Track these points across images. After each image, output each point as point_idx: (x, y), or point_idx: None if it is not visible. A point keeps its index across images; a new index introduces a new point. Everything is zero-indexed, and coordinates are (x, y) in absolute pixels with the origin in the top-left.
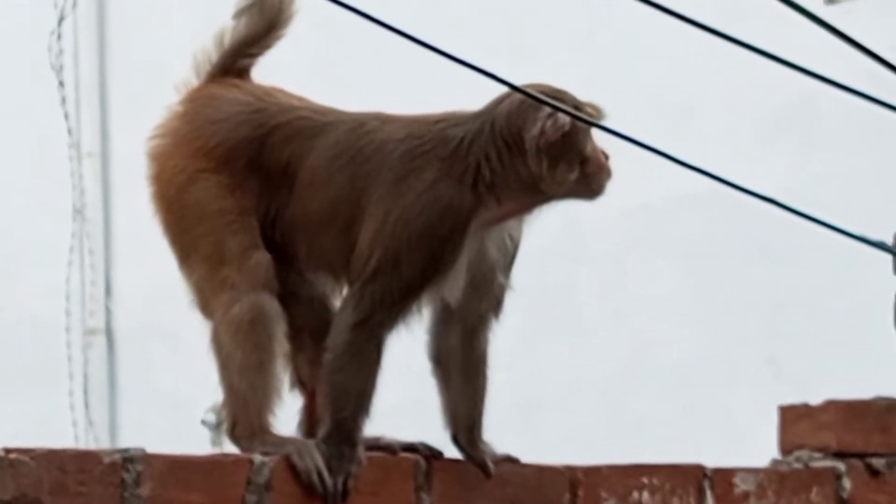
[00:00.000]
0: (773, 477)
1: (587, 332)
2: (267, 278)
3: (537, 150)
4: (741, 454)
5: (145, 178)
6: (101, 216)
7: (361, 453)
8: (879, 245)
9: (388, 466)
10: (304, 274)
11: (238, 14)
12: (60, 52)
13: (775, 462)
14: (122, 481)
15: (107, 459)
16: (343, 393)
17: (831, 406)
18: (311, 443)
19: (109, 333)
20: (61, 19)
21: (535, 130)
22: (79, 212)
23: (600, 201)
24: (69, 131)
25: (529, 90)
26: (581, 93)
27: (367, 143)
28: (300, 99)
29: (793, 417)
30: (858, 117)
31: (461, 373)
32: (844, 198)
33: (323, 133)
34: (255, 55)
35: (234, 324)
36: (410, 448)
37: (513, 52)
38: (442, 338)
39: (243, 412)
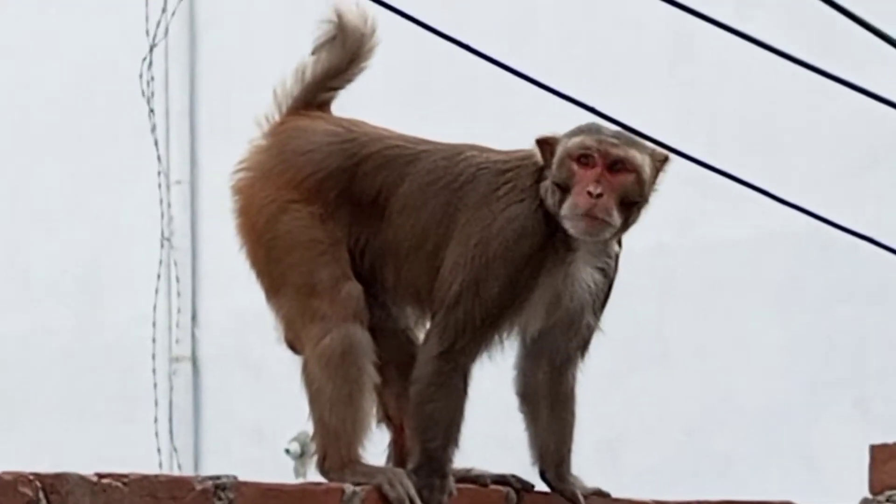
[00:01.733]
0: None
1: (673, 367)
2: (358, 309)
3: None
4: (825, 494)
5: (232, 211)
6: (189, 244)
7: (451, 484)
8: None
9: (479, 498)
10: (390, 306)
11: (318, 48)
12: (151, 79)
13: (866, 501)
14: None
15: (199, 486)
16: (432, 423)
17: None
18: (401, 471)
19: (195, 361)
20: (153, 46)
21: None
22: (167, 239)
23: (689, 235)
24: (158, 158)
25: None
26: (668, 126)
27: (462, 170)
28: (388, 130)
29: (884, 457)
30: None
31: (549, 408)
32: None
33: (417, 160)
34: (336, 88)
35: (326, 356)
36: (501, 480)
37: (597, 84)
38: (529, 374)
39: (334, 445)
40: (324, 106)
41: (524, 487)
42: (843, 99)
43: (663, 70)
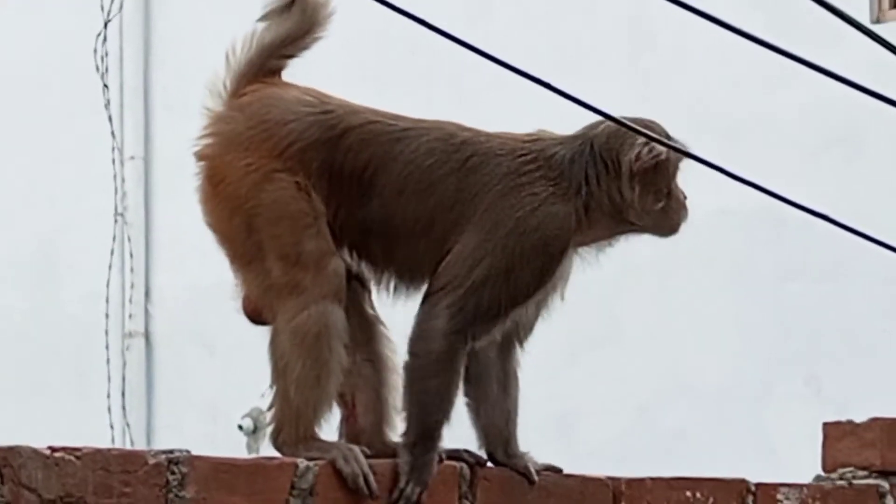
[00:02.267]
0: (816, 493)
1: (627, 345)
2: (340, 287)
3: (631, 174)
4: (777, 471)
5: (198, 178)
6: (143, 220)
7: (437, 463)
8: None
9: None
10: (355, 283)
11: (269, 14)
12: (105, 55)
13: (819, 479)
14: (167, 483)
15: (152, 461)
16: (435, 399)
17: (876, 424)
18: (356, 448)
19: (148, 337)
20: (107, 23)
21: (632, 154)
22: (120, 215)
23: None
24: (112, 134)
25: (624, 119)
26: (625, 105)
27: (471, 155)
28: (354, 102)
29: (837, 435)
30: None
31: (499, 387)
32: (889, 215)
33: (406, 139)
34: (290, 56)
35: (300, 333)
36: (455, 456)
37: (558, 69)
38: (482, 354)
39: (292, 422)
40: (275, 73)
41: (477, 462)
42: (799, 80)
43: (621, 50)
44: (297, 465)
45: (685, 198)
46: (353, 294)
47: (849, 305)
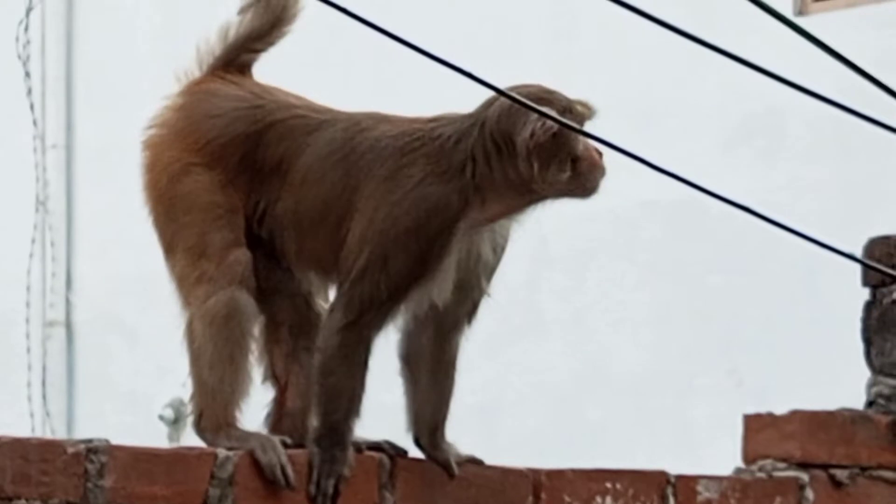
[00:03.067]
0: (736, 486)
1: (547, 335)
2: (244, 275)
3: (528, 152)
4: (698, 463)
5: (140, 167)
6: (64, 208)
7: (351, 455)
8: (850, 256)
9: (353, 465)
10: (291, 271)
11: (243, 9)
12: (27, 42)
13: (738, 471)
14: (86, 472)
15: (70, 450)
16: (335, 395)
17: (796, 416)
18: (275, 438)
19: (69, 326)
20: (29, 10)
21: (525, 133)
22: (42, 203)
23: (562, 204)
24: (34, 122)
25: (516, 93)
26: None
27: (360, 141)
28: (298, 97)
29: (757, 426)
30: (823, 128)
31: (430, 374)
32: (807, 207)
33: (318, 130)
34: (258, 51)
35: (209, 317)
36: (375, 447)
37: (480, 52)
38: (414, 338)
39: (210, 405)
40: (244, 68)
41: (398, 453)
42: (719, 70)
43: (541, 39)
44: (216, 455)
45: (601, 155)
46: (290, 279)
47: (770, 297)
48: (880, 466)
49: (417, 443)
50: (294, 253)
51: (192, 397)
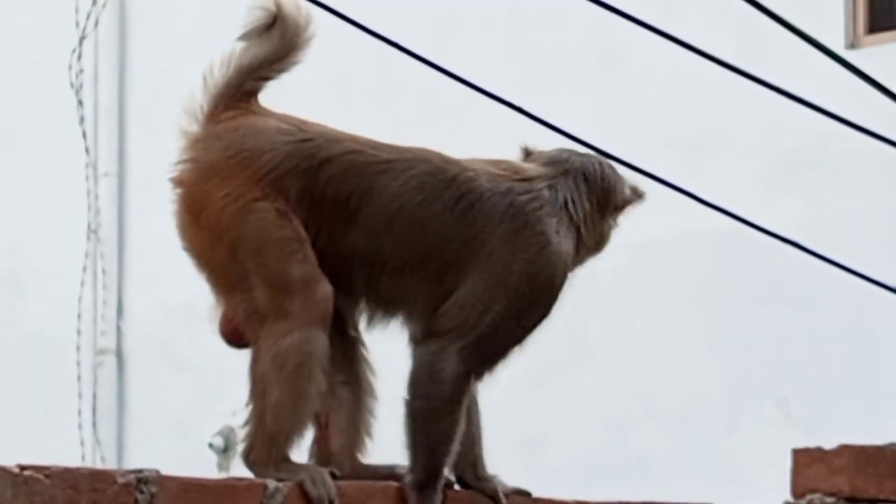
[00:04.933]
0: None
1: (594, 367)
2: (326, 312)
3: (615, 211)
4: (746, 496)
5: (176, 203)
6: (116, 236)
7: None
8: None
9: (402, 498)
10: (342, 310)
11: (248, 35)
12: (80, 71)
13: None
14: (136, 502)
15: (121, 480)
16: (442, 441)
17: (845, 451)
18: (324, 471)
19: (120, 354)
20: (82, 38)
21: (626, 193)
22: (93, 231)
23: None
24: (86, 150)
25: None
26: (593, 126)
27: (466, 193)
28: (334, 129)
29: (806, 461)
30: (870, 161)
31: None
32: (853, 241)
33: (390, 171)
34: (267, 78)
35: (282, 358)
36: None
37: (523, 85)
38: None
39: (264, 444)
40: (251, 95)
41: (447, 485)
42: (767, 103)
43: (590, 71)
44: (266, 487)
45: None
46: (337, 315)
47: (818, 329)
48: None
49: (460, 480)
50: (363, 290)
51: (247, 429)
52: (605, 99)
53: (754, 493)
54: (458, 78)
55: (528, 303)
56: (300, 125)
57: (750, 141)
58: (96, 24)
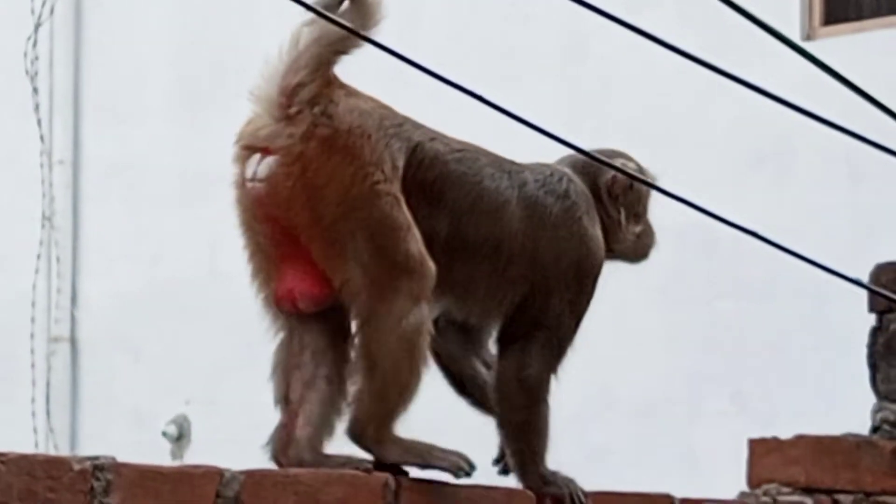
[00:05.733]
0: None
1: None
2: (431, 288)
3: (610, 195)
4: (703, 487)
5: (286, 172)
6: (70, 224)
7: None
8: (856, 282)
9: (358, 485)
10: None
11: (324, 7)
12: (36, 58)
13: (743, 495)
14: (92, 489)
15: (77, 467)
16: (544, 438)
17: (801, 441)
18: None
19: (74, 342)
20: (38, 26)
21: (608, 177)
22: (48, 219)
23: None
24: (41, 138)
25: (592, 151)
26: (557, 120)
27: (523, 184)
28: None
29: (762, 451)
30: (832, 154)
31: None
32: (815, 233)
33: (464, 160)
34: (344, 54)
35: (407, 339)
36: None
37: (487, 78)
38: (463, 360)
39: (382, 419)
40: (329, 66)
41: (401, 473)
42: (730, 96)
43: (554, 63)
44: (222, 473)
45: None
46: (343, 316)
47: (776, 322)
48: (884, 492)
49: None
50: (439, 275)
51: (363, 405)
52: (568, 91)
53: (711, 484)
54: (422, 67)
55: (578, 292)
56: (387, 107)
57: (713, 134)
58: (52, 11)
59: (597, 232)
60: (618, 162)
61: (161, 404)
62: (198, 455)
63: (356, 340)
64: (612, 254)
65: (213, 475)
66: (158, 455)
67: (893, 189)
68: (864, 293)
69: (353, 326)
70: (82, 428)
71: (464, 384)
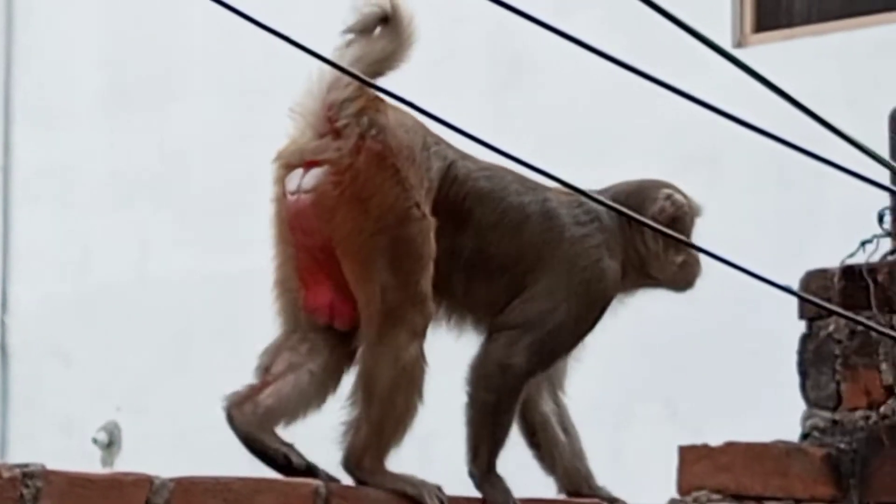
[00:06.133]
0: None
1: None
2: (427, 328)
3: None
4: (633, 493)
5: (332, 183)
6: (0, 230)
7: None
8: (787, 289)
9: (288, 492)
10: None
11: (360, 28)
12: None
13: (673, 501)
14: (21, 496)
15: (6, 474)
16: (503, 433)
17: (731, 448)
18: (436, 486)
19: (3, 348)
20: None
21: (655, 207)
22: None
23: None
24: None
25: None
26: (488, 128)
27: (545, 199)
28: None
29: (692, 458)
30: (761, 160)
31: (564, 431)
32: (745, 239)
33: (491, 178)
34: (382, 74)
35: (409, 371)
36: (314, 471)
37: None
38: (538, 404)
39: (379, 451)
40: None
41: (330, 479)
42: (661, 103)
43: (485, 70)
44: (152, 481)
45: (700, 254)
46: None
47: (707, 329)
48: (814, 499)
49: (577, 494)
50: (458, 292)
51: (359, 434)
52: (498, 99)
53: (641, 491)
54: (352, 74)
55: (584, 309)
56: (424, 125)
57: (643, 140)
58: None
59: (613, 264)
60: (663, 192)
61: (91, 411)
62: (128, 462)
63: (358, 366)
64: (656, 282)
65: (143, 482)
66: (89, 462)
67: (822, 196)
68: (794, 300)
69: (358, 351)
70: (12, 434)
71: (535, 432)
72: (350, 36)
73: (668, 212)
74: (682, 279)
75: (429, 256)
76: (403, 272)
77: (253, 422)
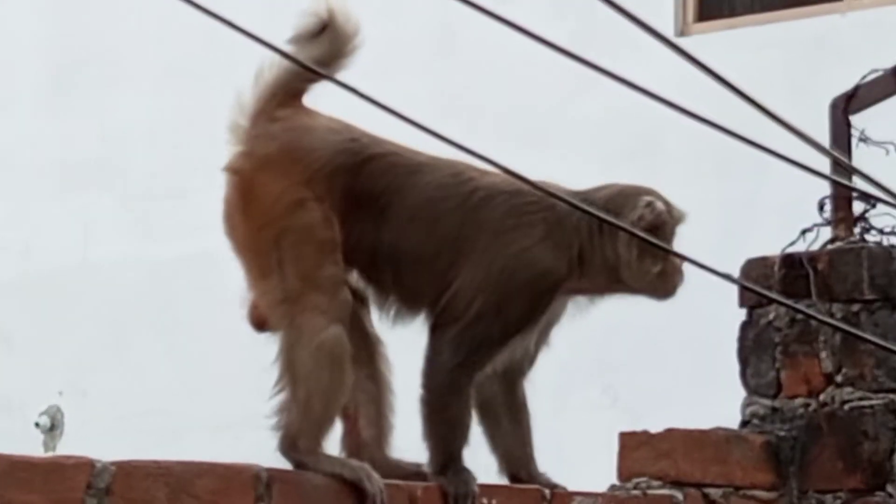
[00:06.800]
0: (611, 503)
1: (417, 348)
2: (347, 315)
3: (631, 235)
4: (573, 480)
5: (228, 189)
6: None
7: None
8: (726, 276)
9: (230, 476)
10: (368, 305)
11: (298, 38)
12: None
13: (613, 488)
14: None
15: None
16: (452, 426)
17: (671, 434)
18: (368, 467)
19: None
20: None
21: (634, 214)
22: None
23: None
24: None
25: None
26: (428, 113)
27: (473, 191)
28: (375, 134)
29: (632, 444)
30: (701, 148)
31: (509, 416)
32: (686, 228)
33: (419, 172)
34: (314, 81)
35: (325, 349)
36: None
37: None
38: (485, 388)
39: (311, 432)
40: (299, 95)
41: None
42: (600, 90)
43: (425, 56)
44: (93, 465)
45: (681, 263)
46: (357, 313)
47: (646, 316)
48: (754, 486)
49: (515, 479)
50: (389, 287)
51: (288, 417)
52: (437, 84)
53: (581, 478)
54: (294, 59)
55: (506, 298)
56: (346, 126)
57: (582, 128)
58: None
59: (550, 255)
60: (644, 200)
61: (34, 395)
62: (71, 446)
63: (277, 354)
64: (631, 289)
65: (85, 466)
66: (31, 446)
67: (763, 184)
68: (734, 288)
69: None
70: None
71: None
72: (295, 46)
73: (646, 219)
74: (661, 288)
75: (332, 242)
76: (301, 259)
77: (375, 460)
